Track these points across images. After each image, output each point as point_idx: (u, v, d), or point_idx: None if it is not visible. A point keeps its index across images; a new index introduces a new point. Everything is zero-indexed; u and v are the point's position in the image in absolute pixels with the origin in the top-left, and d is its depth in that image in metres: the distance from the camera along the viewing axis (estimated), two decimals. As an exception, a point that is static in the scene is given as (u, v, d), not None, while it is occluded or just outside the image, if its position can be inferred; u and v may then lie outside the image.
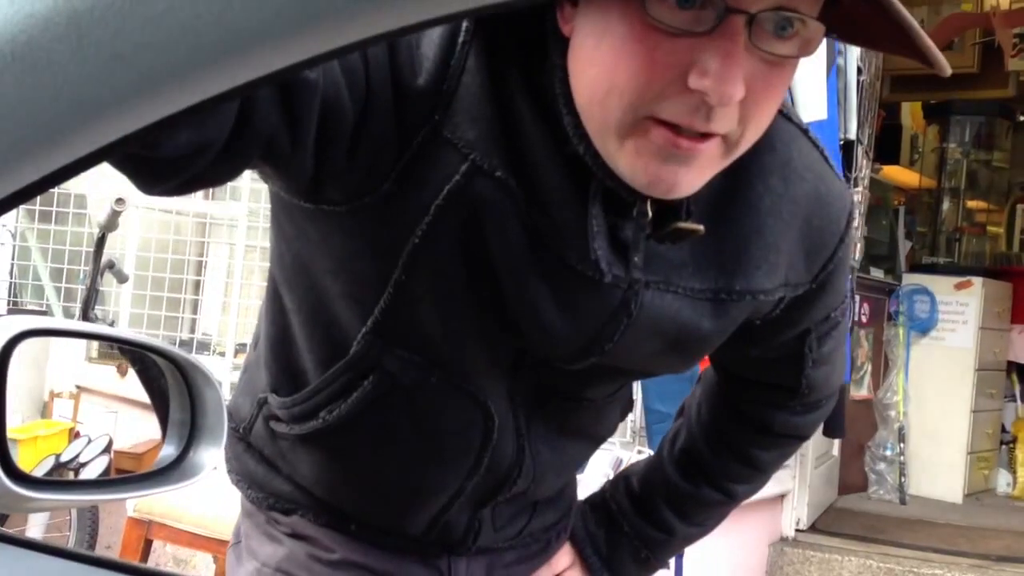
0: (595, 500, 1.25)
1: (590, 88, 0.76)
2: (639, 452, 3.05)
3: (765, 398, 1.13)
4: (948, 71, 0.75)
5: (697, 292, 0.91)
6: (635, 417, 3.24)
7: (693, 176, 0.76)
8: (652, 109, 0.73)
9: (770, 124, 0.81)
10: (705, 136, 0.74)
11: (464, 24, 0.80)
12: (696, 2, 0.69)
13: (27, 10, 0.29)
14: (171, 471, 0.76)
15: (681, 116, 0.72)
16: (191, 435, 0.77)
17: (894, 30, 0.71)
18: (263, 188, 4.03)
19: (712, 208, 0.88)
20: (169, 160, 0.65)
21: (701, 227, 0.84)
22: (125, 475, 0.85)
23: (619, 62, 0.72)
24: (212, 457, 0.76)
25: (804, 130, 0.95)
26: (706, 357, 1.08)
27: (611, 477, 1.29)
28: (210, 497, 2.58)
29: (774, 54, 0.72)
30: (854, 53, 3.71)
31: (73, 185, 3.62)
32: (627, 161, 0.76)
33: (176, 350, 0.78)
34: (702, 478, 1.18)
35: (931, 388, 5.14)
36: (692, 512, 1.21)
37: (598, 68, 0.74)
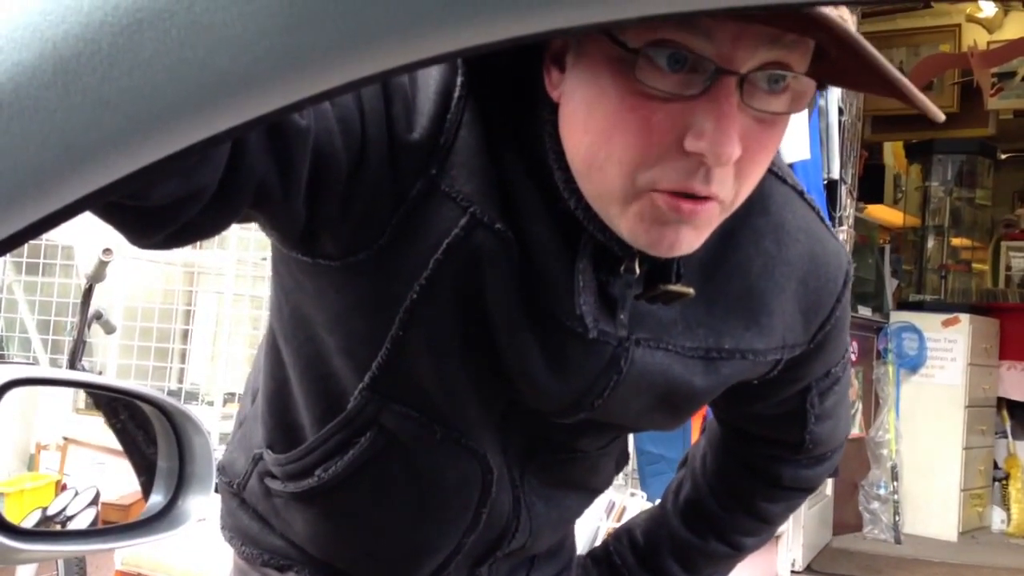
0: (598, 554, 1.23)
1: (587, 155, 0.75)
2: (632, 495, 3.03)
3: (771, 452, 1.13)
4: (941, 116, 0.75)
5: (688, 350, 0.90)
6: (627, 460, 3.22)
7: (694, 236, 0.76)
8: (652, 180, 0.72)
9: (764, 187, 0.80)
10: (706, 198, 0.73)
11: (459, 79, 0.80)
12: (686, 64, 0.68)
13: (14, 59, 0.29)
14: (159, 520, 0.75)
15: (680, 182, 0.71)
16: (179, 483, 0.76)
17: (882, 80, 0.70)
18: (250, 236, 4.03)
19: (702, 270, 0.88)
20: (159, 209, 0.65)
21: (691, 290, 0.84)
22: (113, 525, 0.84)
23: (614, 131, 0.72)
24: (200, 505, 0.76)
25: (800, 191, 0.95)
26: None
27: (605, 520, 1.28)
28: (199, 549, 2.55)
29: (766, 112, 0.72)
30: (835, 94, 3.76)
31: (60, 236, 3.62)
32: (629, 225, 0.75)
33: (164, 397, 0.78)
34: (710, 531, 1.17)
35: (922, 425, 5.14)
36: (699, 565, 1.19)
37: (593, 136, 0.73)
